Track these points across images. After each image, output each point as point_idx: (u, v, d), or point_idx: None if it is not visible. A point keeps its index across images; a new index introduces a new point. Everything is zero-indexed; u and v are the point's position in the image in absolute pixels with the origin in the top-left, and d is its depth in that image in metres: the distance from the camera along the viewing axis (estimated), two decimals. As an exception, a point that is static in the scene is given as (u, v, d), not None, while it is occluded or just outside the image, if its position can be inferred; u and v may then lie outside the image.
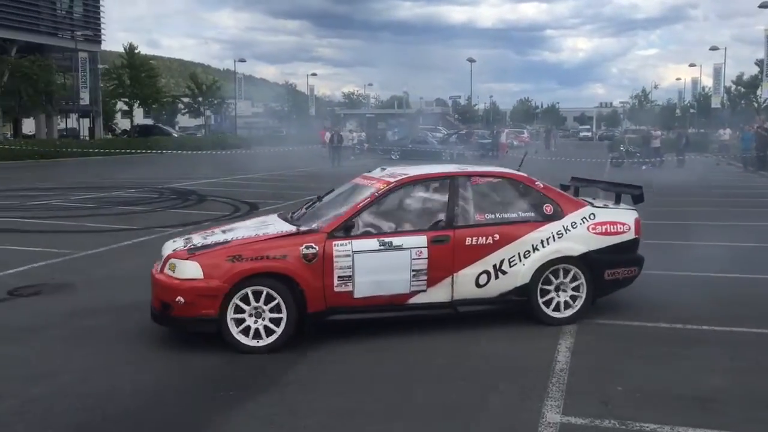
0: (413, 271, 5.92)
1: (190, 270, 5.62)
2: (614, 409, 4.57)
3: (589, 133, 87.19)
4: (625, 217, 6.77)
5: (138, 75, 51.69)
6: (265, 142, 48.69)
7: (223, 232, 6.36)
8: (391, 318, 6.08)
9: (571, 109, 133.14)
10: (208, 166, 31.77)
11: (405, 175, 6.43)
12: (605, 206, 6.91)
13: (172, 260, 5.79)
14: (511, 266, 6.23)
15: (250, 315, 5.63)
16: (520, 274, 6.26)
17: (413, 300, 6.03)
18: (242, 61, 62.72)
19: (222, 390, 4.96)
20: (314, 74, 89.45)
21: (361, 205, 6.06)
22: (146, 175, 25.34)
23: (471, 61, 68.28)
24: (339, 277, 5.77)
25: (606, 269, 6.52)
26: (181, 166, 31.45)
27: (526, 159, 8.07)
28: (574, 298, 6.44)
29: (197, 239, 6.20)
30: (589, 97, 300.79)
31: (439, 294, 6.08)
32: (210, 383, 5.12)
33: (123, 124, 69.41)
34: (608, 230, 6.59)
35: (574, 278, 6.44)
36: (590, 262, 6.43)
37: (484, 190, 6.47)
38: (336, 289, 5.78)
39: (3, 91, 37.86)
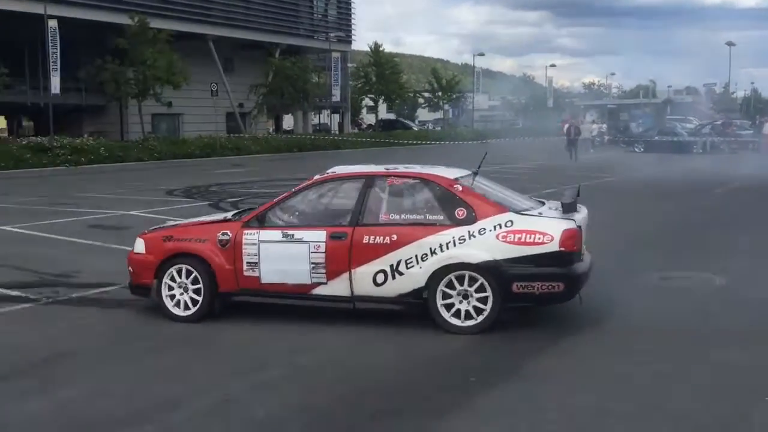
0: (312, 263, 6.20)
1: (138, 246, 6.87)
2: None
3: None
4: (550, 227, 5.95)
5: (383, 72, 54.45)
6: (501, 135, 48.69)
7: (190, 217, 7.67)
8: (297, 306, 6.40)
9: None
10: (444, 158, 32.57)
11: (333, 173, 6.76)
12: (538, 214, 6.24)
13: (136, 238, 7.05)
14: (407, 268, 6.03)
15: (179, 287, 6.51)
16: (417, 276, 6.01)
17: (316, 291, 6.26)
18: (481, 54, 63.26)
19: (464, 375, 5.08)
20: (553, 65, 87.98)
21: (277, 199, 6.66)
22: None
23: (730, 44, 62.16)
24: (247, 262, 6.36)
25: (515, 281, 5.87)
26: (420, 158, 32.56)
27: None
28: (477, 309, 5.93)
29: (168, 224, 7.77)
30: None
31: (339, 288, 6.20)
32: (455, 368, 5.27)
33: (368, 118, 73.66)
34: (523, 240, 5.89)
35: (481, 288, 5.91)
36: (496, 273, 5.87)
37: (399, 190, 6.40)
38: (245, 273, 6.37)
39: (268, 90, 42.08)
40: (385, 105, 61.73)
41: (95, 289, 7.76)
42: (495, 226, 5.99)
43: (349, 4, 52.50)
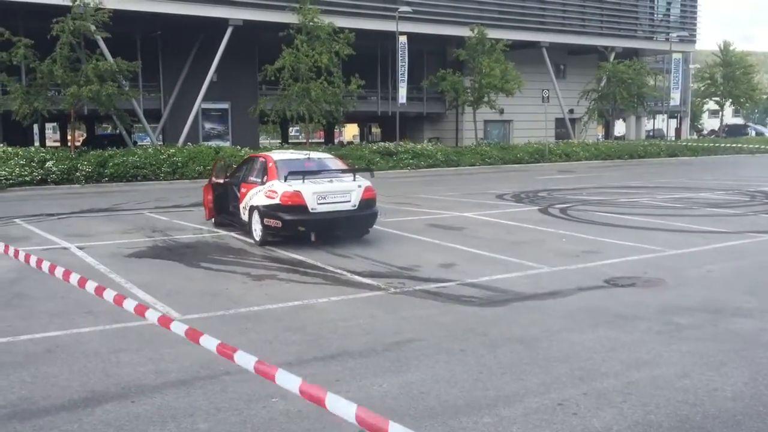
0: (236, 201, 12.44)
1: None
2: None
3: None
4: (279, 189, 10.74)
5: (732, 72, 49.36)
6: None
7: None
8: None
9: None
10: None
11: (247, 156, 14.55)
12: (292, 183, 10.76)
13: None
14: (247, 205, 11.58)
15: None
16: (246, 210, 11.73)
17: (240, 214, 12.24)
18: None
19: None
20: None
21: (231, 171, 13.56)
22: (735, 177, 24.13)
23: None
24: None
25: (264, 217, 10.85)
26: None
27: None
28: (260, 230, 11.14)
29: None
30: None
31: (244, 214, 11.94)
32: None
33: (709, 124, 67.46)
34: (269, 195, 10.89)
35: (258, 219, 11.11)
36: (260, 211, 10.98)
37: (255, 163, 12.29)
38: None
39: (600, 95, 41.00)
40: (731, 109, 55.92)
41: (435, 284, 8.38)
42: (267, 187, 11.04)
43: (695, 0, 48.56)
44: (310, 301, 7.60)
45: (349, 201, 10.91)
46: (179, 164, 25.47)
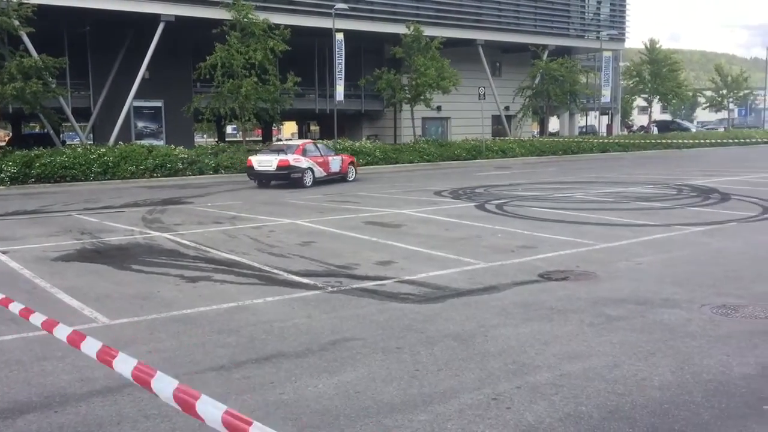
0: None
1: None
2: None
3: None
4: (276, 159, 21.66)
5: (659, 70, 51.03)
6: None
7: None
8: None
9: None
10: (730, 163, 29.61)
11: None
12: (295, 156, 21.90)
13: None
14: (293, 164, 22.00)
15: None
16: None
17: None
18: (776, 46, 56.26)
19: (755, 403, 4.58)
20: None
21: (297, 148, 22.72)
22: (664, 172, 24.95)
23: None
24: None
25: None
26: (699, 163, 30.03)
27: None
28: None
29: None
30: None
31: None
32: (743, 393, 4.78)
33: (639, 120, 69.61)
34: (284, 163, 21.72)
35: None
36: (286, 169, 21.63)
37: (290, 146, 23.01)
38: None
39: (534, 93, 41.80)
40: (659, 105, 57.84)
41: (372, 282, 8.36)
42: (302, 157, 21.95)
43: (624, 0, 50.00)
44: (246, 302, 7.47)
45: (271, 166, 21.70)
46: (110, 164, 24.74)
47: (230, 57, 27.95)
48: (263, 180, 22.09)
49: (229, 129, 65.10)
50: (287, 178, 21.56)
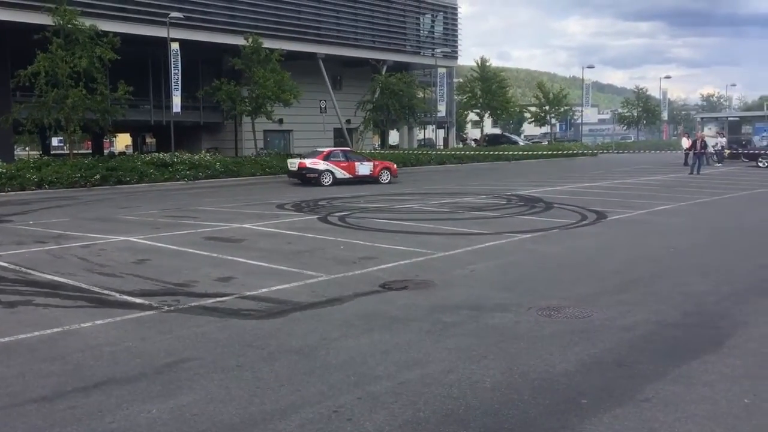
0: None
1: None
2: None
3: None
4: (311, 163, 26.87)
5: (489, 87, 54.06)
6: (612, 149, 47.08)
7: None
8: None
9: None
10: (553, 173, 31.88)
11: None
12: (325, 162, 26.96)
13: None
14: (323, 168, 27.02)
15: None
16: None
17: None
18: (590, 67, 61.93)
19: (575, 398, 4.94)
20: (668, 77, 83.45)
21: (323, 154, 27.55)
22: (495, 182, 26.41)
23: None
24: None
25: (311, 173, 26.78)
26: (527, 174, 32.08)
27: None
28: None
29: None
30: None
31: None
32: (565, 389, 5.14)
33: (473, 133, 73.27)
34: (309, 165, 27.05)
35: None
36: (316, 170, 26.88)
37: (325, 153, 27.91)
38: None
39: (374, 107, 42.76)
40: (490, 120, 61.25)
41: (212, 299, 8.12)
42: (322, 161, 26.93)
43: (456, 20, 52.58)
44: (72, 327, 6.97)
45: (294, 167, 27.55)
46: None
47: (54, 65, 26.13)
48: (292, 177, 27.93)
49: (55, 141, 60.67)
50: (303, 177, 26.67)
